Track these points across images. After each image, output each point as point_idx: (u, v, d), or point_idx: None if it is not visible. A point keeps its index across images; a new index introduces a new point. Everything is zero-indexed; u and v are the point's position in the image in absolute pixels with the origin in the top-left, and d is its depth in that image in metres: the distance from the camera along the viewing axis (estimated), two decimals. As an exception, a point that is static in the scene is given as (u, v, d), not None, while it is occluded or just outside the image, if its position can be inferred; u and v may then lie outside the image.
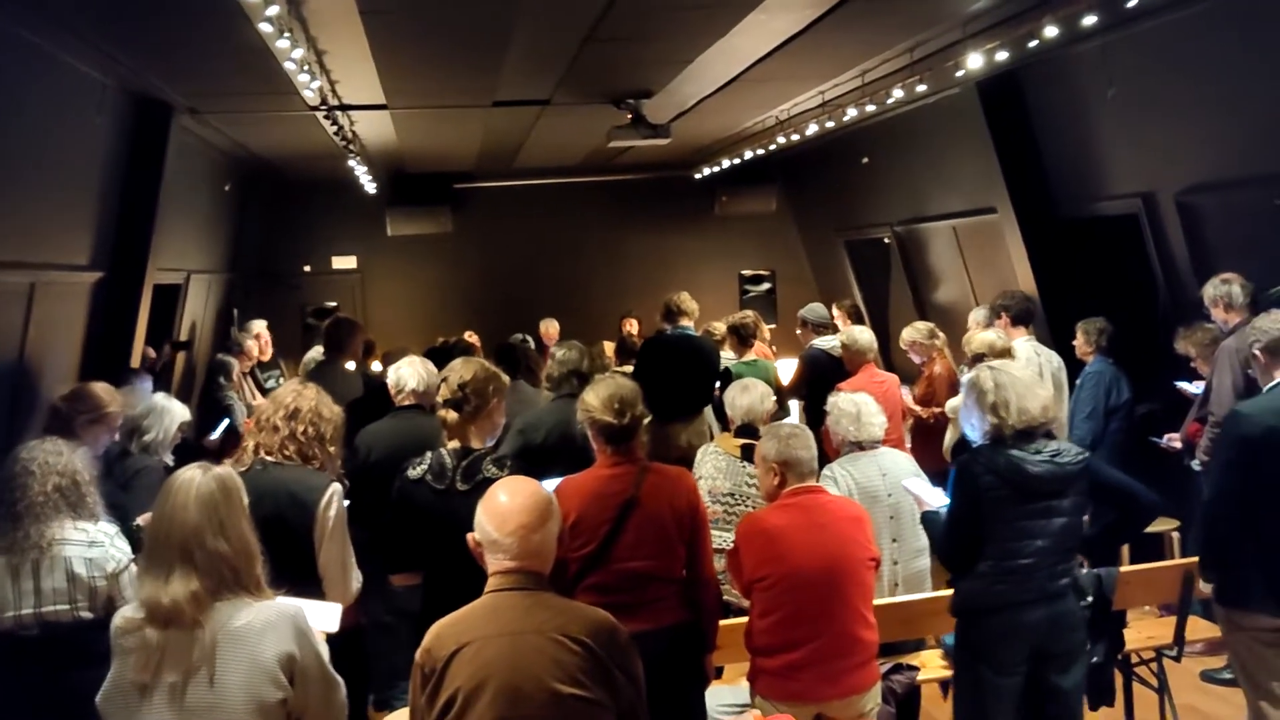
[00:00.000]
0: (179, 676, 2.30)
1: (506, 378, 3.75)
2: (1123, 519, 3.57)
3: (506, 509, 2.38)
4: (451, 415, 3.52)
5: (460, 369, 3.57)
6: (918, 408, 6.31)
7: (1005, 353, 4.77)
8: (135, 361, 6.78)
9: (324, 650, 2.51)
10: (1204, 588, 3.87)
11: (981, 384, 3.45)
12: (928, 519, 3.68)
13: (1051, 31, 4.95)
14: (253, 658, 2.33)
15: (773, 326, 10.22)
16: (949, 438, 5.52)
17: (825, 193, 11.51)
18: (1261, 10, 4.93)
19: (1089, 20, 4.79)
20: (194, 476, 2.43)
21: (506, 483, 2.50)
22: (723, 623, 3.73)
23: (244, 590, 2.39)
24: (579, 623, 2.33)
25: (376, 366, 8.06)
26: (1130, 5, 4.60)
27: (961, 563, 3.49)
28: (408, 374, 4.74)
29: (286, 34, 4.48)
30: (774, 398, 4.91)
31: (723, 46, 5.82)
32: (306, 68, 5.22)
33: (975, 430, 3.49)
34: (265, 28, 4.30)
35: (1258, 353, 3.80)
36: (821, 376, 6.32)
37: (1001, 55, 5.45)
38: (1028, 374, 3.53)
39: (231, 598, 2.37)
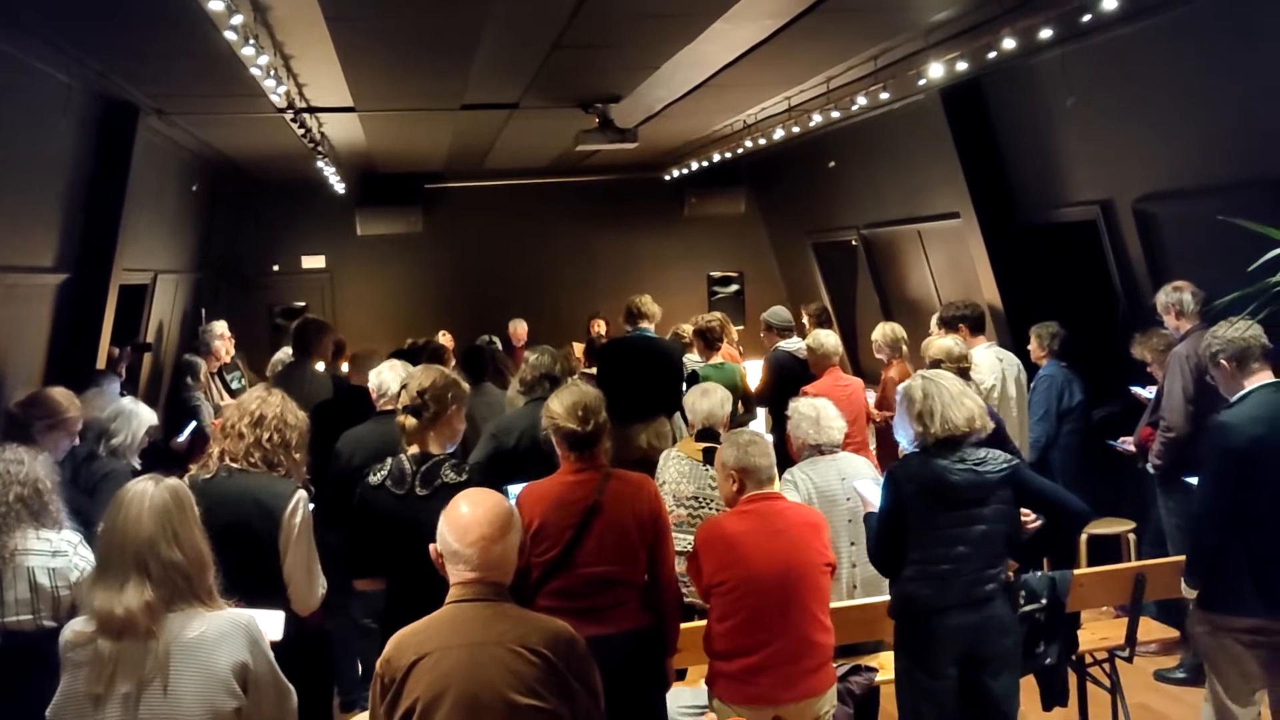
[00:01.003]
0: (133, 687, 2.33)
1: (466, 385, 3.79)
2: (1052, 526, 3.67)
3: (468, 520, 2.40)
4: (410, 421, 3.55)
5: (420, 376, 3.61)
6: (876, 412, 6.39)
7: (963, 359, 4.86)
8: (101, 363, 6.75)
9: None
10: (1187, 593, 3.90)
11: (912, 393, 3.58)
12: (869, 521, 3.79)
13: (1010, 44, 5.05)
14: (207, 667, 2.36)
15: (741, 328, 10.29)
16: (902, 441, 5.60)
17: (794, 195, 11.59)
18: (1215, 24, 5.04)
19: (1046, 33, 4.88)
20: (146, 488, 2.46)
21: (468, 494, 2.52)
22: (685, 625, 3.79)
23: (197, 600, 2.42)
24: (538, 634, 2.36)
25: (346, 368, 8.05)
26: (1085, 20, 4.69)
27: (887, 565, 3.62)
28: (390, 378, 4.75)
29: (252, 41, 4.48)
30: (733, 401, 4.96)
31: (689, 53, 5.87)
32: (273, 72, 5.22)
33: (904, 437, 3.62)
34: (230, 35, 4.31)
35: (1224, 362, 3.82)
36: (787, 379, 6.39)
37: (962, 65, 5.54)
38: (959, 385, 3.62)
39: (185, 608, 2.40)
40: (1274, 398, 3.73)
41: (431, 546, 2.48)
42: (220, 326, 8.55)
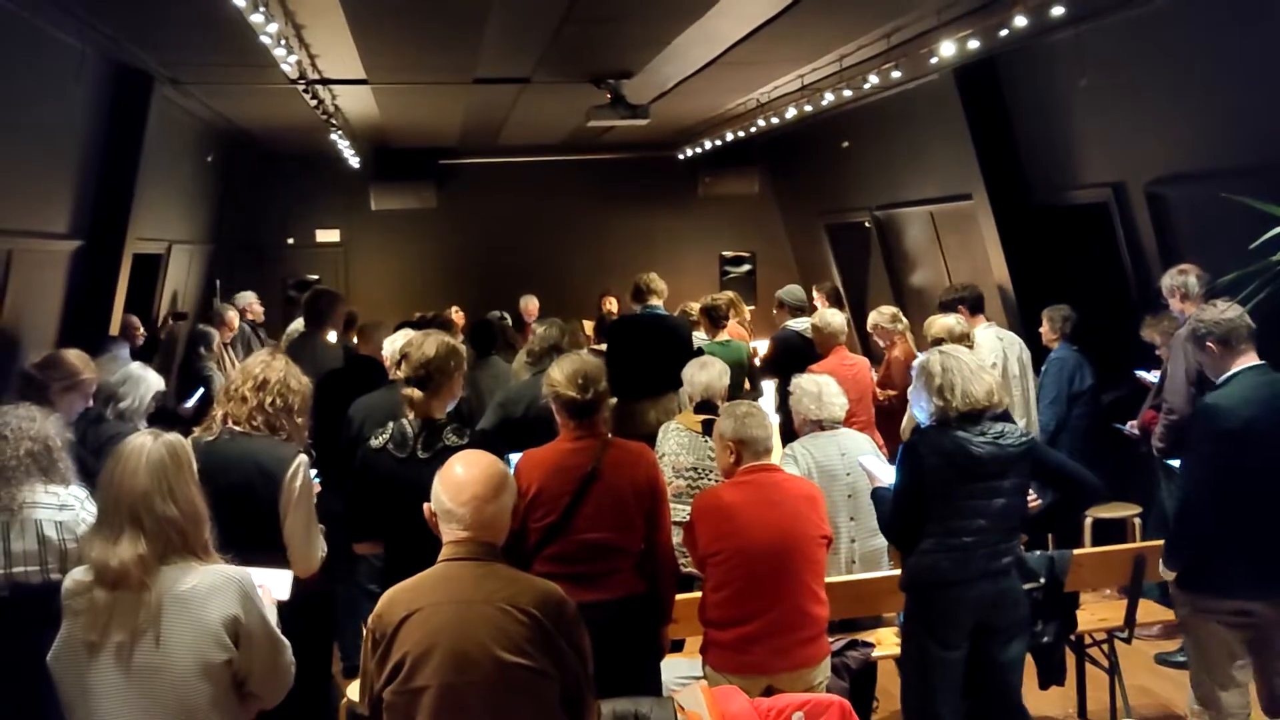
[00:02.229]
0: (126, 637, 2.37)
1: (464, 349, 3.81)
2: (1064, 500, 3.68)
3: (462, 480, 2.44)
4: (417, 394, 3.57)
5: (422, 346, 3.60)
6: (879, 391, 6.39)
7: (964, 337, 4.86)
8: (114, 330, 6.83)
9: (271, 614, 2.57)
10: (1165, 574, 3.87)
11: (930, 368, 3.57)
12: (878, 495, 3.80)
13: (1021, 21, 5.03)
14: (198, 620, 2.40)
15: (752, 308, 10.30)
16: (906, 419, 5.61)
17: (807, 176, 11.56)
18: (1230, 6, 5.00)
19: (1057, 10, 4.85)
20: (145, 442, 2.49)
21: (463, 455, 2.55)
22: (684, 596, 3.82)
23: (191, 554, 2.45)
24: (528, 594, 2.38)
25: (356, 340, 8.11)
26: (1096, -3, 4.67)
27: (904, 539, 3.62)
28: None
29: (262, 8, 4.50)
30: (740, 378, 4.99)
31: (700, 28, 5.86)
32: (284, 42, 5.23)
33: (923, 412, 3.62)
34: (239, 2, 4.32)
35: (1211, 345, 3.79)
36: (793, 357, 6.40)
37: (974, 44, 5.52)
38: (976, 359, 3.63)
39: (179, 561, 2.43)
40: (1261, 379, 3.70)
41: (426, 506, 2.50)
42: (249, 296, 8.86)
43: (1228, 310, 3.77)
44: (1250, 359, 3.75)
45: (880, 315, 6.59)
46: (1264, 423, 3.62)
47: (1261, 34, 4.89)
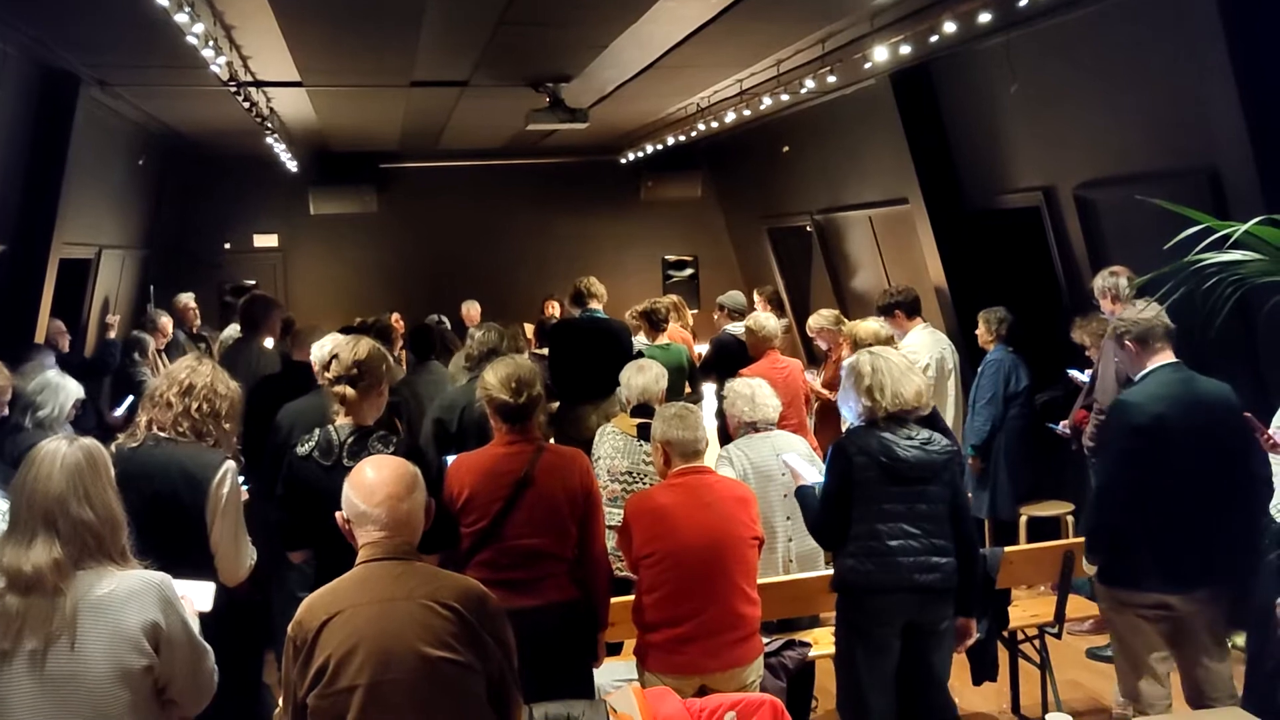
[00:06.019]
0: (39, 643, 2.31)
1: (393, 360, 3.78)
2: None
3: (373, 482, 2.44)
4: (350, 392, 3.53)
5: (353, 346, 3.58)
6: (825, 391, 6.44)
7: (889, 341, 4.92)
8: (40, 337, 6.66)
9: (193, 619, 2.52)
10: (1087, 569, 3.96)
11: (860, 368, 3.63)
12: (801, 493, 3.83)
13: (950, 27, 5.10)
14: (115, 626, 2.35)
15: (695, 312, 10.34)
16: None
17: (750, 180, 11.64)
18: (1153, 13, 5.12)
19: (985, 17, 4.93)
20: (60, 446, 2.44)
21: (371, 460, 2.57)
22: (620, 599, 3.81)
23: (108, 559, 2.40)
24: (449, 589, 2.38)
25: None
26: (1022, 4, 4.75)
27: (830, 538, 3.66)
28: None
29: (187, 8, 4.41)
30: (681, 381, 4.98)
31: (636, 32, 5.87)
32: (212, 43, 5.14)
33: (851, 412, 3.68)
34: (162, 1, 4.23)
35: (1129, 343, 3.88)
36: (729, 361, 6.43)
37: (906, 49, 5.59)
38: (904, 360, 3.69)
39: (95, 566, 2.38)
40: (1174, 376, 3.78)
41: (338, 515, 2.48)
42: (186, 298, 8.76)
43: (1145, 310, 3.84)
44: (1165, 357, 3.83)
45: (823, 318, 6.67)
46: (1173, 418, 3.69)
47: (1183, 41, 5.00)
